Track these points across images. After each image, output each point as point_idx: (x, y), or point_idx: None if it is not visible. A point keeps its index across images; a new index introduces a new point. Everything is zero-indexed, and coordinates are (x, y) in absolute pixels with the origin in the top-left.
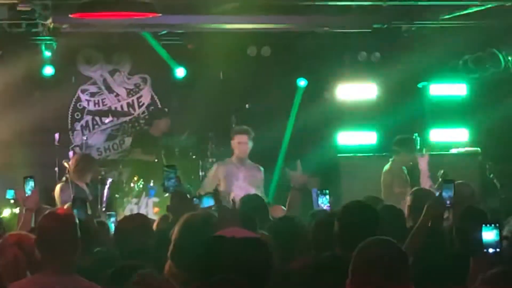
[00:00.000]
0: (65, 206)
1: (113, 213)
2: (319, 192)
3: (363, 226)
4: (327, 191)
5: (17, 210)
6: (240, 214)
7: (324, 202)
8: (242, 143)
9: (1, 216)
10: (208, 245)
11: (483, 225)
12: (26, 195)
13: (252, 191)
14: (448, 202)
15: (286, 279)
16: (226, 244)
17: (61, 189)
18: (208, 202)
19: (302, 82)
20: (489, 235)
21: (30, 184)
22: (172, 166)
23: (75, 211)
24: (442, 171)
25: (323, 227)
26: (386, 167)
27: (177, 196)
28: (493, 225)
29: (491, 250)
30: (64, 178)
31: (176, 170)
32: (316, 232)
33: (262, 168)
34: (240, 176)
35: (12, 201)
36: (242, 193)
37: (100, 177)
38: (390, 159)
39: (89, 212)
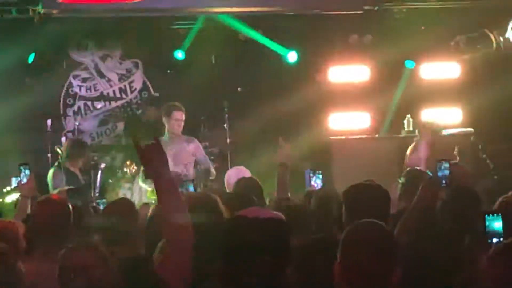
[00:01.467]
0: (55, 192)
1: (103, 200)
2: (312, 172)
3: (373, 207)
4: (320, 172)
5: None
6: (237, 195)
7: (317, 183)
8: (180, 120)
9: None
10: (231, 225)
11: (486, 215)
12: (22, 182)
13: (179, 169)
14: (443, 181)
15: None
16: (249, 224)
17: (54, 174)
18: (190, 188)
19: (292, 55)
20: (492, 225)
21: (25, 171)
22: None
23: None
24: (457, 149)
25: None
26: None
27: None
28: (495, 214)
29: (494, 240)
30: (56, 163)
31: None
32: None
33: (194, 139)
34: (170, 154)
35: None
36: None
37: (93, 162)
38: (415, 139)
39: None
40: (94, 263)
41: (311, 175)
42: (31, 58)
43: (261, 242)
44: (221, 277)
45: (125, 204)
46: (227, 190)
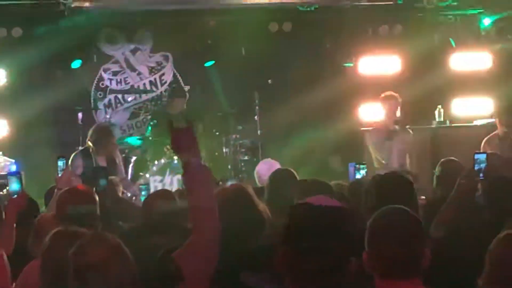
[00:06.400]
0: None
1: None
2: (356, 165)
3: (398, 196)
4: (364, 166)
5: None
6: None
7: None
8: None
9: None
10: (294, 211)
11: None
12: (58, 175)
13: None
14: (481, 175)
15: None
16: (313, 211)
17: (72, 160)
18: None
19: None
20: None
21: (62, 164)
22: None
23: (100, 181)
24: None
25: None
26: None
27: None
28: None
29: None
30: (80, 149)
31: None
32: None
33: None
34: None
35: None
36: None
37: (123, 155)
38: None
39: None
40: (108, 259)
41: (355, 168)
42: (76, 64)
43: (324, 229)
44: (281, 264)
45: (166, 194)
46: (258, 183)
